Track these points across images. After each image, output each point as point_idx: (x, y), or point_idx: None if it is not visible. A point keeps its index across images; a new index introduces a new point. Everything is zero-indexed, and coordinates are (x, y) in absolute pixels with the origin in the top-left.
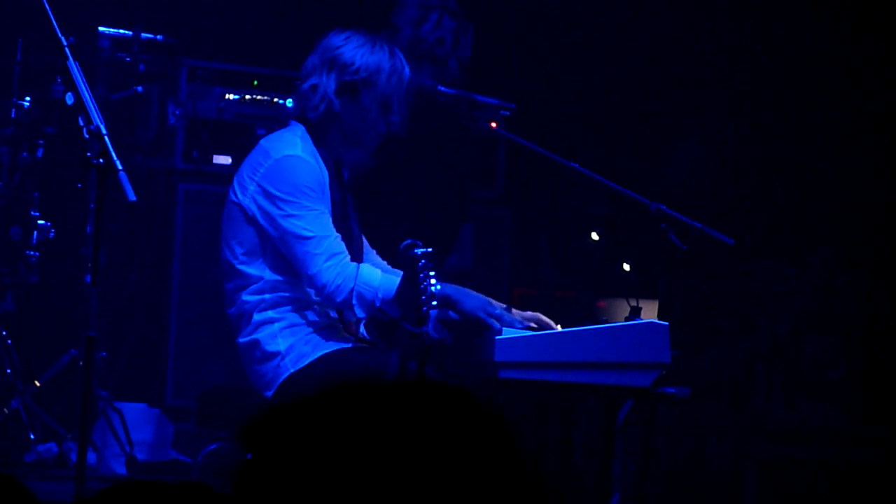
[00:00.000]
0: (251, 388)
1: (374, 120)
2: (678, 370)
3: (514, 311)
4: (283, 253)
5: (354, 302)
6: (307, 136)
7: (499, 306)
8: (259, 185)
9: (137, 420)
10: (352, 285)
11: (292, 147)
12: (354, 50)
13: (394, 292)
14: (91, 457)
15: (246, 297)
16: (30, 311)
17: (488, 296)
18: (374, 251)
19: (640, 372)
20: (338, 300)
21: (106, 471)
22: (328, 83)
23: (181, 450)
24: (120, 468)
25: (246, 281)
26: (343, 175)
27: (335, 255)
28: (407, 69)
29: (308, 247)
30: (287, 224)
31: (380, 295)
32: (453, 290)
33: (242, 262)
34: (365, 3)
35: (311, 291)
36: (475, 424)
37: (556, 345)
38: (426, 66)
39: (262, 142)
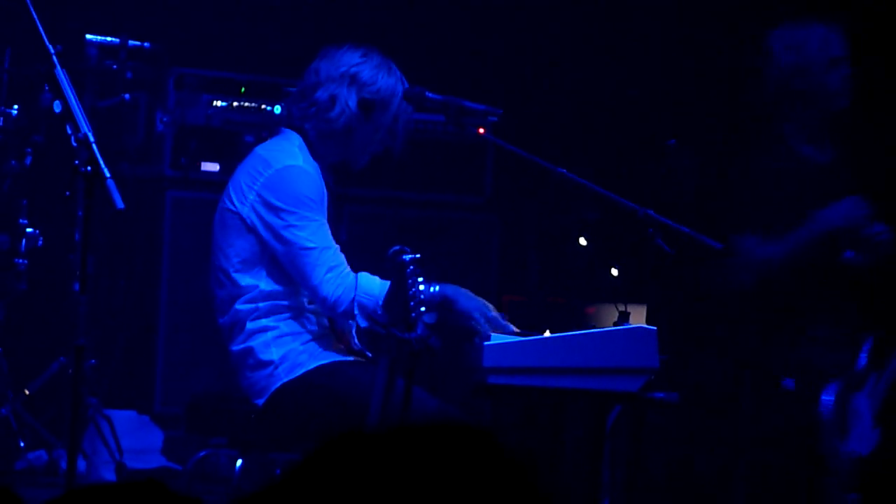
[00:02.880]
0: (241, 396)
1: (380, 140)
2: (666, 375)
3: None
4: (282, 263)
5: (356, 312)
6: (304, 146)
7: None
8: (259, 195)
9: (127, 427)
10: (352, 295)
11: (293, 157)
12: (374, 70)
13: None
14: (81, 464)
15: (239, 307)
16: (19, 319)
17: None
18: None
19: (628, 377)
20: (339, 311)
21: (96, 478)
22: (349, 96)
23: (171, 457)
24: (109, 475)
25: (240, 290)
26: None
27: (335, 266)
28: None
29: (309, 258)
30: (289, 234)
31: (380, 303)
32: (451, 289)
33: (238, 271)
34: (352, 13)
35: (306, 301)
36: (496, 472)
37: (545, 350)
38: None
39: (257, 149)
